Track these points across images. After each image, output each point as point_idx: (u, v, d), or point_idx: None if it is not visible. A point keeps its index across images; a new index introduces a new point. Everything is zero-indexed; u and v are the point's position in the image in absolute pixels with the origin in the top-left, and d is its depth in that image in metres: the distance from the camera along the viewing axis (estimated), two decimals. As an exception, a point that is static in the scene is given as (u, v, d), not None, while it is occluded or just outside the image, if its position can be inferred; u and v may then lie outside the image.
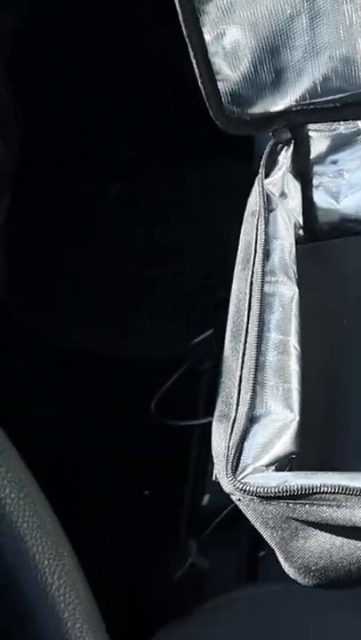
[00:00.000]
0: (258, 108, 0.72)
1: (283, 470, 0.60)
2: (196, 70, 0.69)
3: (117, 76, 1.20)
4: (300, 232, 0.80)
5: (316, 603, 0.72)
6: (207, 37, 0.68)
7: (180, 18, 0.67)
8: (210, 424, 0.60)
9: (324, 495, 0.54)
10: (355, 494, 0.53)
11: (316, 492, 0.54)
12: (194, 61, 0.69)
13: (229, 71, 0.70)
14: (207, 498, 0.99)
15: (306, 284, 0.73)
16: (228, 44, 0.68)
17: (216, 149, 1.04)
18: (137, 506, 1.06)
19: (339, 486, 0.53)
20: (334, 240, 0.80)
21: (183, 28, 0.67)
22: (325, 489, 0.54)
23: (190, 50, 0.68)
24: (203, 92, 0.71)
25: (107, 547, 1.02)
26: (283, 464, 0.60)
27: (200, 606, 0.79)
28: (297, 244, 0.79)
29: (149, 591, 0.98)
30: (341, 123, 0.76)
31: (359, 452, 0.65)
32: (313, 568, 0.60)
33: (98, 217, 1.26)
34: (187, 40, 0.68)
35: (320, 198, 0.81)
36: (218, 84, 0.70)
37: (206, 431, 0.61)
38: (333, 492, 0.53)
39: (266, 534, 0.59)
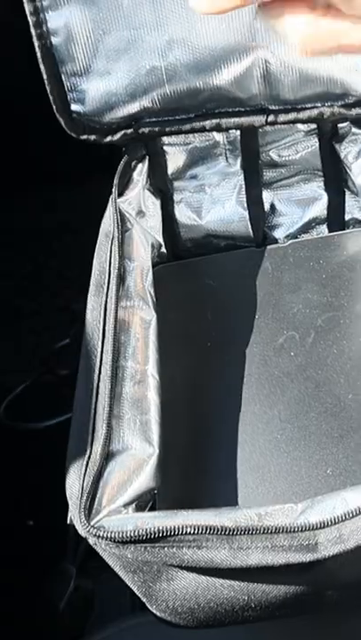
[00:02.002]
0: (105, 113, 0.67)
1: (144, 508, 0.56)
2: (40, 63, 0.63)
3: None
4: (163, 250, 0.77)
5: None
6: (51, 25, 0.62)
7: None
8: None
9: (183, 537, 0.50)
10: (215, 533, 0.50)
11: (174, 534, 0.50)
12: (38, 52, 0.63)
13: (74, 66, 0.64)
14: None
15: (167, 306, 0.69)
16: (73, 34, 0.62)
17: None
18: (20, 535, 1.00)
19: (198, 526, 0.50)
20: (196, 258, 0.77)
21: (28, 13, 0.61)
22: (184, 530, 0.50)
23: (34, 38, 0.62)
24: (47, 86, 0.65)
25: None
26: (143, 501, 0.56)
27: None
28: (159, 263, 0.76)
29: (35, 626, 0.91)
30: (196, 135, 0.73)
31: (223, 484, 0.62)
32: (180, 610, 0.57)
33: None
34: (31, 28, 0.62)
35: (182, 214, 0.78)
36: (63, 79, 0.65)
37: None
38: (193, 533, 0.50)
39: (127, 578, 0.55)
